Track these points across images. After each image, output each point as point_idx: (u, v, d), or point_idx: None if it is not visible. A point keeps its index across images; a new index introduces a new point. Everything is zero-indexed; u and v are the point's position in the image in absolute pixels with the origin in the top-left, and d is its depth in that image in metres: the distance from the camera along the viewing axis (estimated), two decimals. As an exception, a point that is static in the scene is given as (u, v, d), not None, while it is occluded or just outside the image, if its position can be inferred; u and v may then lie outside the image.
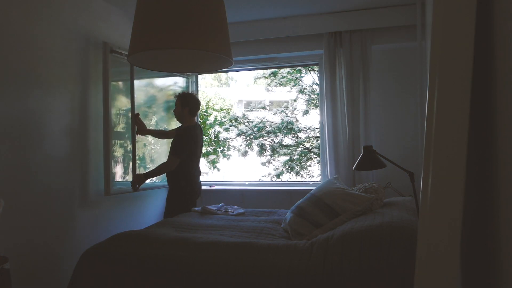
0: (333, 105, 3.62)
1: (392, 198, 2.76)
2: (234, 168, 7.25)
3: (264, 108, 7.65)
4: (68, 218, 2.84)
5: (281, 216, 2.86)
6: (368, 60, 3.51)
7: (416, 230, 1.65)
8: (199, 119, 4.30)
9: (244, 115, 6.88)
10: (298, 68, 6.21)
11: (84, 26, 3.00)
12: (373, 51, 3.60)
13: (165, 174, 3.31)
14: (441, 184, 0.97)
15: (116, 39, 3.33)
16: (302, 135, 6.36)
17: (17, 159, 2.43)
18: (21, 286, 2.37)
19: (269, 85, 6.88)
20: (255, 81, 7.69)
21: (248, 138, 6.55)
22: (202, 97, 6.89)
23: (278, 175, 6.36)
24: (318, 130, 4.92)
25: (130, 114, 3.31)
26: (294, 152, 6.39)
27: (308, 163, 6.48)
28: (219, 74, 7.78)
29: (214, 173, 6.87)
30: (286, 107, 6.71)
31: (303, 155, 6.39)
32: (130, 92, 3.28)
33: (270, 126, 6.47)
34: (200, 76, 4.33)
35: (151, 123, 3.72)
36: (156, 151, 3.83)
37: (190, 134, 3.22)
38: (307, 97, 6.44)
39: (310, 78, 6.49)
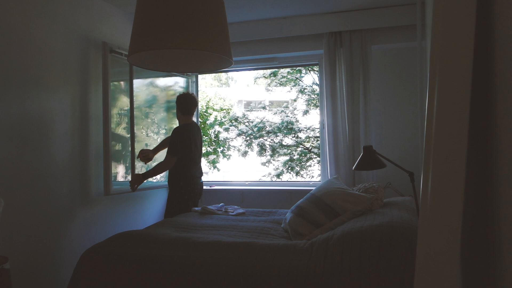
0: (333, 105, 3.62)
1: (392, 198, 2.76)
2: (234, 168, 7.26)
3: (264, 108, 7.66)
4: (68, 218, 2.84)
5: (281, 216, 2.86)
6: (368, 60, 3.51)
7: (416, 230, 1.65)
8: (199, 119, 4.29)
9: (244, 115, 6.88)
10: (298, 68, 6.22)
11: (84, 26, 3.00)
12: (373, 51, 3.60)
13: (165, 174, 3.31)
14: (441, 184, 0.97)
15: (116, 39, 3.33)
16: (302, 135, 6.36)
17: (17, 159, 2.43)
18: (21, 286, 2.38)
19: (269, 85, 6.88)
20: (255, 81, 7.70)
21: (248, 138, 6.55)
22: (202, 97, 6.90)
23: (278, 175, 6.36)
24: (318, 130, 4.93)
25: (130, 114, 3.32)
26: (294, 152, 6.39)
27: (308, 163, 6.48)
28: (219, 74, 7.79)
29: (214, 173, 6.87)
30: (286, 107, 6.71)
31: (303, 155, 6.39)
32: (129, 92, 3.28)
33: (270, 126, 6.47)
34: (200, 76, 4.34)
35: (151, 123, 3.72)
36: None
37: (182, 132, 3.23)
38: (307, 97, 6.45)
39: (310, 78, 6.50)
